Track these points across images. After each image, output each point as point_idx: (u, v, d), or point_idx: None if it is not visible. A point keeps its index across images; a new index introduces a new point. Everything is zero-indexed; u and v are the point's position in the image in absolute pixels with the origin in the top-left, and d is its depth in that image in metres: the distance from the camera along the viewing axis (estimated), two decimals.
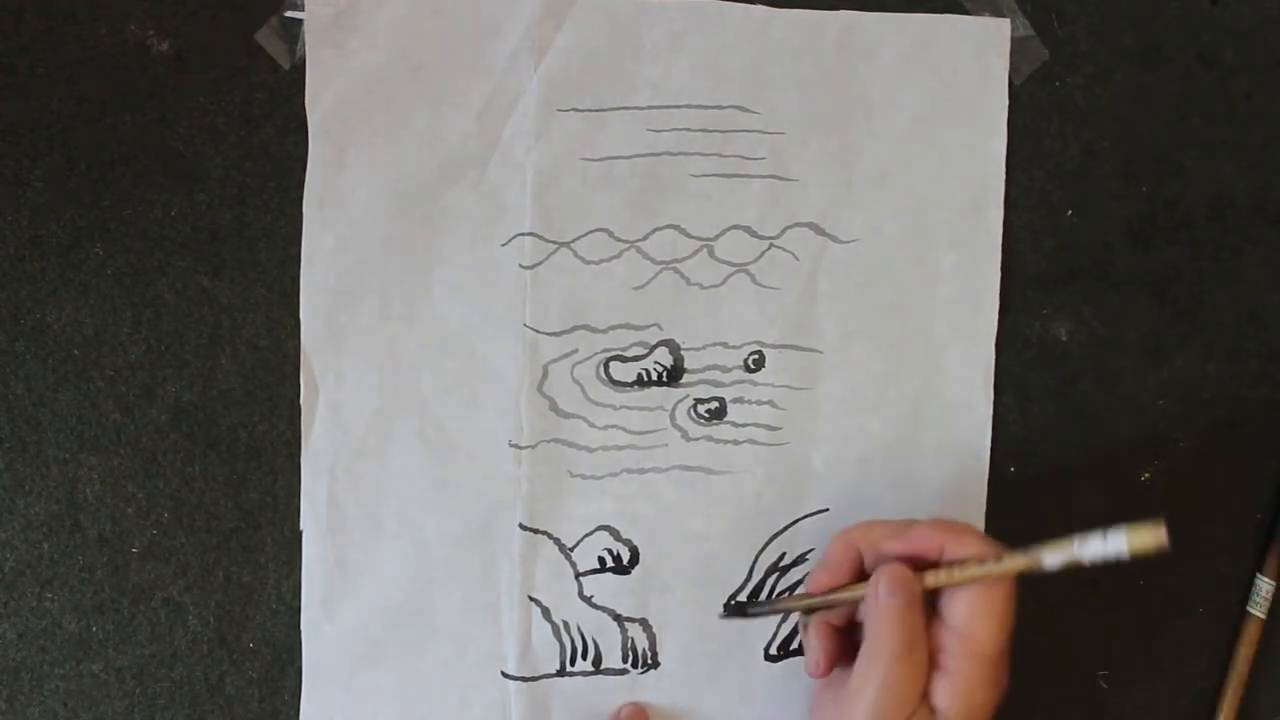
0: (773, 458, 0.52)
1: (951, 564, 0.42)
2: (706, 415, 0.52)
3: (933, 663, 0.42)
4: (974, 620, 0.41)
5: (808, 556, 0.52)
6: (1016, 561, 0.40)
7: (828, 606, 0.46)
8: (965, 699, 0.41)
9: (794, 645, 0.52)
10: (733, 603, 0.52)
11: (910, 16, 0.52)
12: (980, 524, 0.53)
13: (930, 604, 0.43)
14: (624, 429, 0.51)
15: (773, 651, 0.52)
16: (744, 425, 0.52)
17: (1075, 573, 0.39)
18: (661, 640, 0.52)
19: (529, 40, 0.50)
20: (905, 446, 0.52)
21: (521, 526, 0.51)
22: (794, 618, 0.52)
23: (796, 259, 0.52)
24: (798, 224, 0.51)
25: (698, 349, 0.51)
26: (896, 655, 0.41)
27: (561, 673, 0.52)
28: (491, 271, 0.51)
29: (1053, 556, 0.38)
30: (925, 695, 0.42)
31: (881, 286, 0.52)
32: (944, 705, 0.41)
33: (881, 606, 0.42)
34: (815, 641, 0.47)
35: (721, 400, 0.52)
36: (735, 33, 0.51)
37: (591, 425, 0.51)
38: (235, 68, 0.50)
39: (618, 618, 0.52)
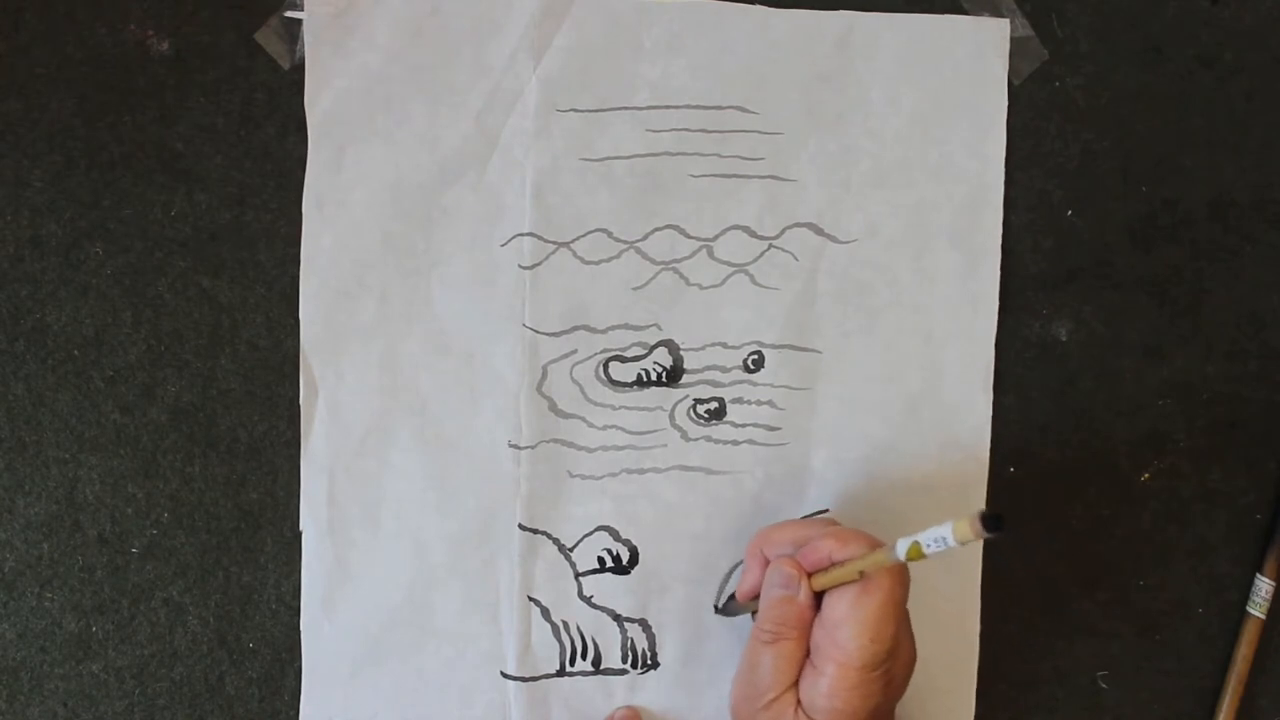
0: (772, 458, 0.52)
1: (837, 565, 0.43)
2: (706, 415, 0.52)
3: (808, 658, 0.43)
4: (842, 626, 0.42)
5: None
6: (877, 556, 0.40)
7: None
8: (828, 699, 0.42)
9: None
10: (718, 603, 0.52)
11: (909, 16, 0.52)
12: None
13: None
14: (623, 429, 0.51)
15: None
16: (743, 425, 0.52)
17: (918, 559, 0.39)
18: (661, 640, 0.52)
19: (528, 40, 0.50)
20: (905, 446, 0.52)
21: (521, 527, 0.51)
22: None
23: (796, 259, 0.52)
24: (797, 224, 0.51)
25: (697, 349, 0.51)
26: (762, 641, 0.44)
27: (561, 673, 0.52)
28: (491, 272, 0.51)
29: (900, 547, 0.39)
30: (796, 685, 0.43)
31: (881, 286, 0.52)
32: (808, 700, 0.43)
33: (762, 597, 0.45)
34: None
35: (721, 400, 0.52)
36: (734, 33, 0.51)
37: (591, 425, 0.51)
38: (235, 68, 0.50)
39: (617, 618, 0.52)
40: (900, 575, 0.42)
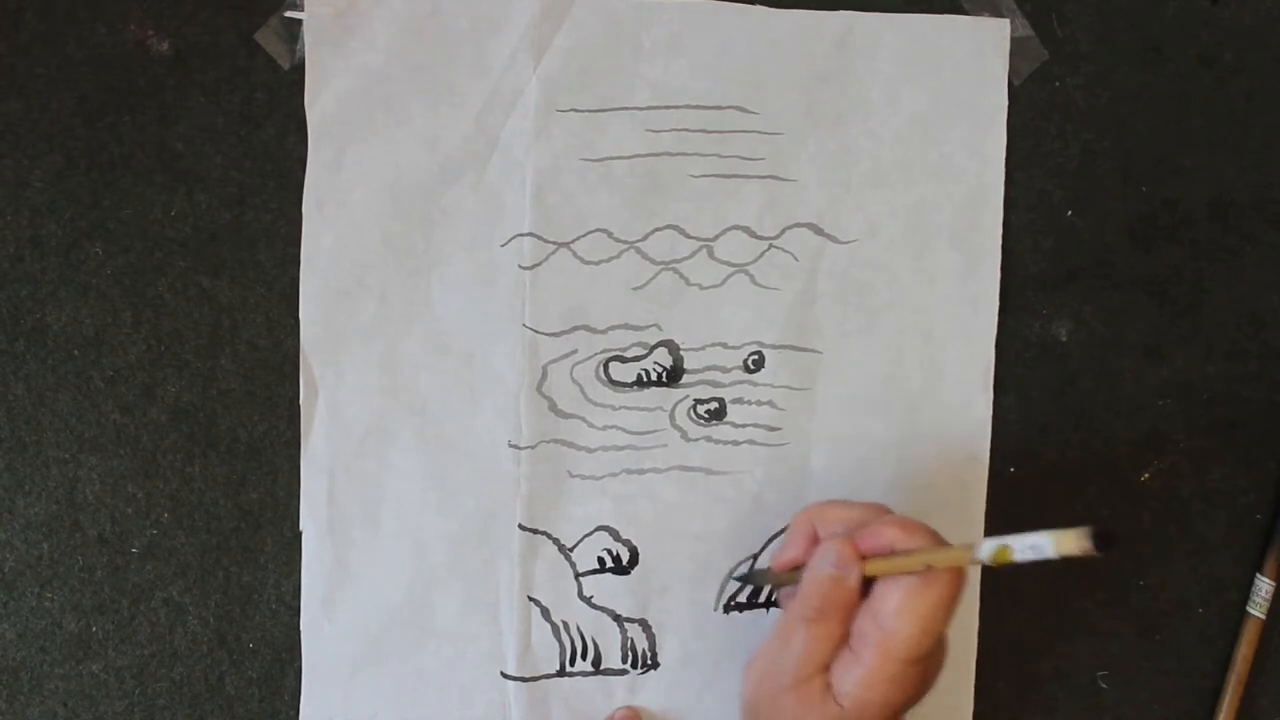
0: (772, 458, 0.52)
1: (898, 553, 0.42)
2: (706, 415, 0.52)
3: (847, 643, 0.42)
4: (895, 615, 0.40)
5: None
6: (953, 553, 0.39)
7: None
8: (863, 688, 0.41)
9: None
10: (735, 576, 0.52)
11: (910, 17, 0.51)
12: (980, 524, 0.53)
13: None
14: (623, 429, 0.51)
15: None
16: (743, 425, 0.52)
17: (1006, 568, 0.38)
18: (661, 640, 0.52)
19: (528, 40, 0.50)
20: (905, 446, 0.52)
21: (521, 527, 0.51)
22: None
23: (796, 259, 0.52)
24: (797, 224, 0.51)
25: (697, 349, 0.51)
26: (803, 618, 0.42)
27: (561, 673, 0.52)
28: (491, 272, 0.51)
29: (984, 549, 0.38)
30: (827, 669, 0.42)
31: (881, 286, 0.52)
32: (840, 686, 0.41)
33: (808, 573, 0.43)
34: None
35: (721, 400, 0.52)
36: (734, 33, 0.51)
37: (591, 425, 0.51)
38: (235, 68, 0.50)
39: (617, 618, 0.52)
40: (963, 573, 0.41)
